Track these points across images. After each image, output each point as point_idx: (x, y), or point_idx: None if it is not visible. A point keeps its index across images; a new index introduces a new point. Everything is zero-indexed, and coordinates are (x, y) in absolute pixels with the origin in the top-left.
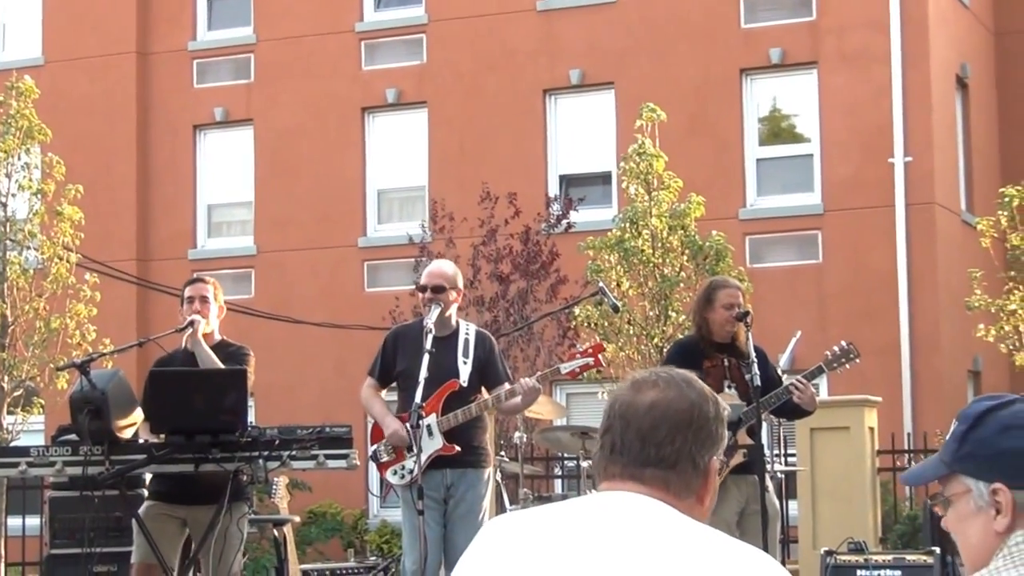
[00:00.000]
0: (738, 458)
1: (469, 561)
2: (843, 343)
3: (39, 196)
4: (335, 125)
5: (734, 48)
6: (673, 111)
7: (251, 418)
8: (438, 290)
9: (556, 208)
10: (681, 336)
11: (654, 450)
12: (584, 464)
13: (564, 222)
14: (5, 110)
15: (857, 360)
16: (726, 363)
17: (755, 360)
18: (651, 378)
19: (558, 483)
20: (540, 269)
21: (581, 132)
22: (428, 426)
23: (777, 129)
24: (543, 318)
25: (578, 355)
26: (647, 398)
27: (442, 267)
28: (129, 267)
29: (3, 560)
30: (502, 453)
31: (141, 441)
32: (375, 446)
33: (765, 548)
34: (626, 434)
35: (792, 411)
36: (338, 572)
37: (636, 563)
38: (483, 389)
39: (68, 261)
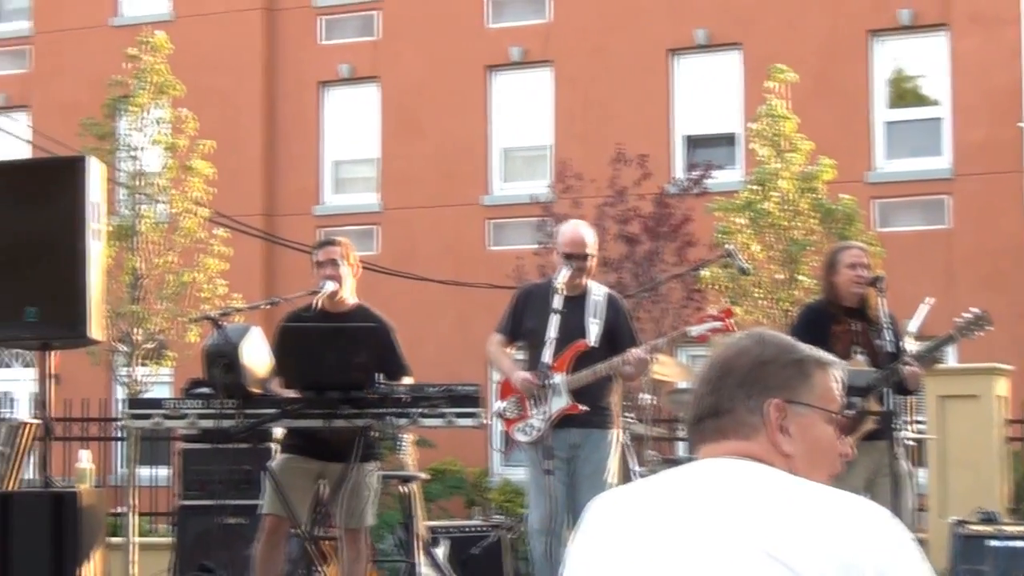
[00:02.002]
0: (868, 424)
1: (579, 547)
2: (974, 310)
3: (171, 151)
4: (460, 83)
5: (862, 9)
6: (800, 72)
7: None
8: (580, 259)
9: (690, 172)
10: (809, 300)
11: (708, 400)
12: None
13: (700, 185)
14: (137, 65)
15: (990, 328)
16: (855, 328)
17: (888, 326)
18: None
19: (682, 445)
20: (670, 231)
21: (706, 92)
22: (555, 385)
23: (903, 91)
24: (670, 280)
25: (708, 318)
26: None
27: (585, 235)
28: (255, 222)
29: (135, 510)
30: (629, 415)
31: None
32: (501, 403)
33: (897, 514)
34: (697, 402)
35: (896, 386)
36: (464, 529)
37: (721, 533)
38: (613, 352)
39: (199, 216)
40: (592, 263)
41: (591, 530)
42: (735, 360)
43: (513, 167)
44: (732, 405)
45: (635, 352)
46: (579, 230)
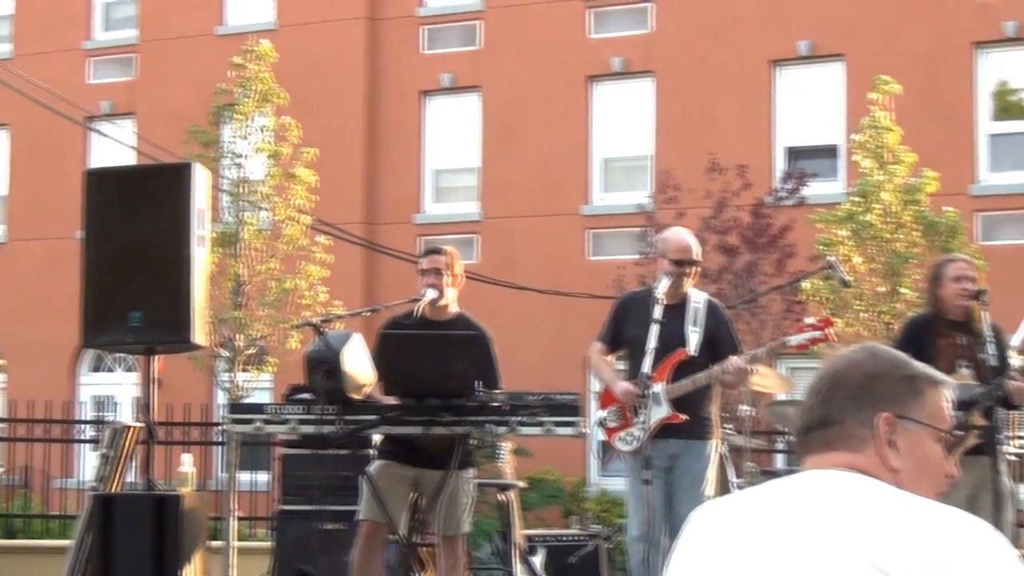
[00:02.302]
0: (972, 439)
1: (680, 558)
2: None
3: (274, 159)
4: (561, 93)
5: (967, 21)
6: (903, 83)
7: None
8: (689, 264)
9: (787, 183)
10: (913, 314)
11: (818, 411)
12: None
13: (796, 195)
14: (242, 73)
15: None
16: (960, 341)
17: (992, 339)
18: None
19: (780, 458)
20: (769, 243)
21: (808, 103)
22: (656, 394)
23: (1007, 104)
24: (770, 291)
25: (807, 328)
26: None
27: (690, 241)
28: (356, 230)
29: (235, 514)
30: (728, 426)
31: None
32: (603, 411)
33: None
34: (806, 413)
35: (1000, 401)
36: (561, 538)
37: (827, 544)
38: (714, 360)
39: (301, 223)
40: (696, 270)
41: (693, 540)
42: (847, 372)
43: (613, 177)
44: (842, 417)
45: (735, 361)
46: (684, 236)
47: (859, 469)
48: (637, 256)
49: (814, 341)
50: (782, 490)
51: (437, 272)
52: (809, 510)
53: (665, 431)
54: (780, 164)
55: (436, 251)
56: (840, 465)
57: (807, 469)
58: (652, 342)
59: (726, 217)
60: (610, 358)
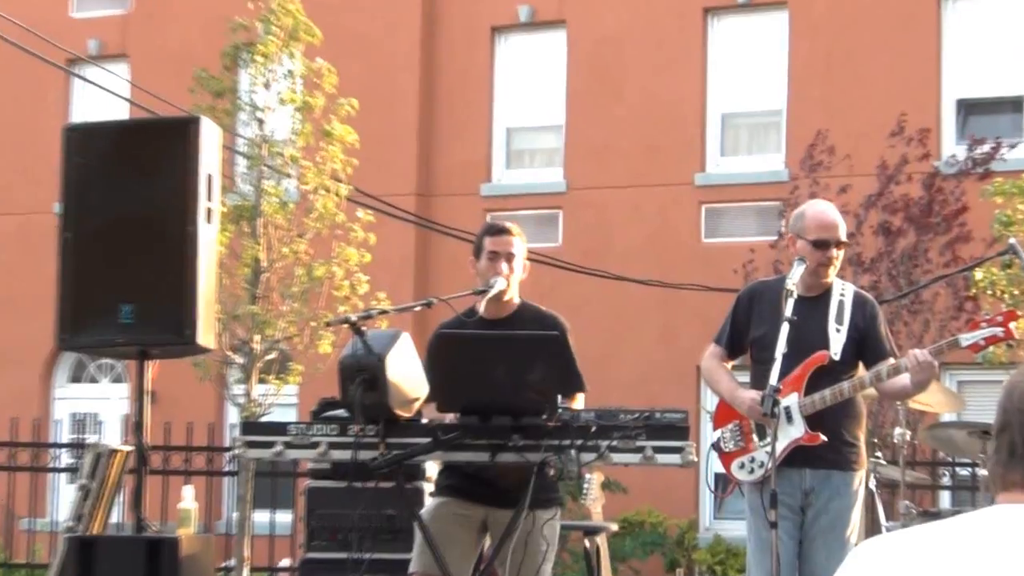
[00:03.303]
0: None
1: None
2: None
3: (304, 112)
4: (670, 30)
5: None
6: None
7: None
8: (834, 245)
9: (972, 148)
10: None
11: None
12: (981, 472)
13: (986, 165)
14: (263, 5)
15: None
16: None
17: None
18: None
19: (946, 495)
20: (943, 222)
21: (985, 47)
22: (787, 408)
23: None
24: (935, 282)
25: (983, 323)
26: None
27: (834, 216)
28: (408, 204)
29: (249, 562)
30: (878, 454)
31: (425, 421)
32: (718, 431)
33: None
34: (1005, 434)
35: None
36: None
37: None
38: (860, 366)
39: (337, 194)
40: (841, 254)
41: None
42: None
43: (735, 137)
44: None
45: (917, 353)
46: (827, 210)
47: None
48: (769, 238)
49: (992, 340)
50: (973, 527)
51: (510, 256)
52: (1003, 560)
53: (798, 458)
54: (949, 122)
55: (505, 229)
56: None
57: (1004, 503)
58: (782, 345)
59: (890, 192)
60: (730, 365)
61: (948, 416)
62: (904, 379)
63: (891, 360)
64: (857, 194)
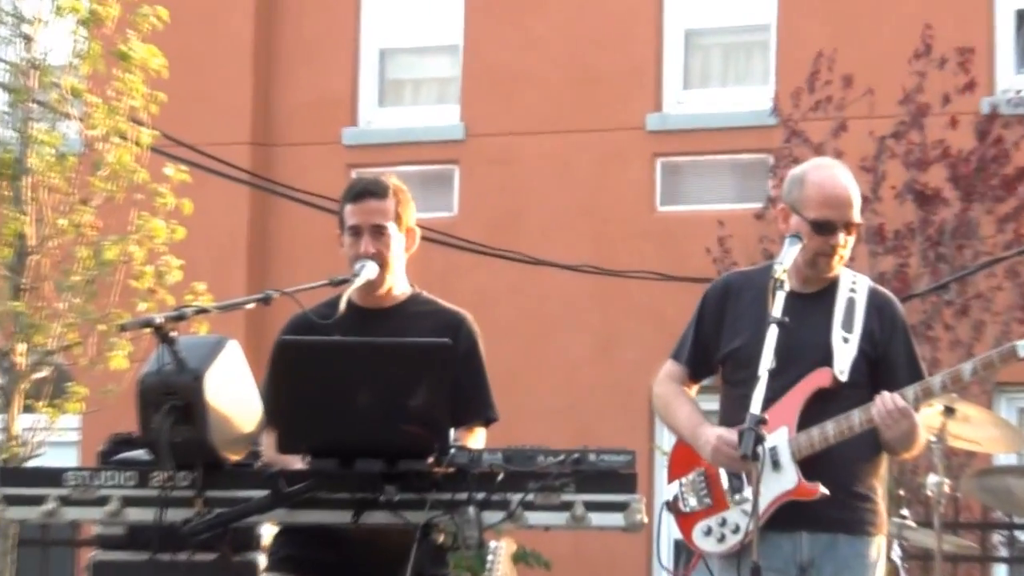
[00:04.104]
0: None
1: None
2: None
3: (91, 26)
4: None
5: None
6: None
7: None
8: (843, 228)
9: None
10: None
11: None
12: None
13: None
14: None
15: None
16: None
17: None
18: None
19: (1001, 570)
20: (1001, 185)
21: None
22: (773, 450)
23: None
24: (989, 266)
25: None
26: None
27: (847, 185)
28: (239, 155)
29: None
30: (904, 512)
31: (261, 466)
32: (676, 484)
33: None
34: None
35: None
36: None
37: None
38: (876, 390)
39: (137, 143)
40: (851, 241)
41: None
42: None
43: (703, 63)
44: None
45: (886, 399)
46: (839, 177)
47: None
48: (753, 206)
49: None
50: None
51: (378, 230)
52: None
53: (790, 518)
54: (1005, 43)
55: (369, 191)
56: None
57: None
58: (768, 359)
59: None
60: (694, 391)
61: (1004, 458)
62: (887, 432)
63: (913, 388)
64: (866, 140)
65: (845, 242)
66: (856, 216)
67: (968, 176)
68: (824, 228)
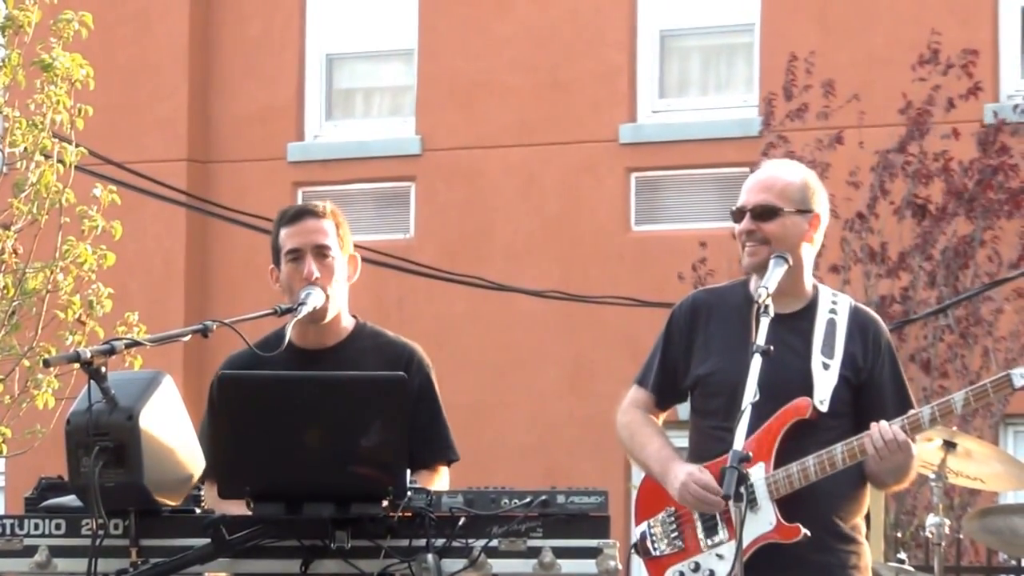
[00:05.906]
0: None
1: None
2: None
3: (10, 32)
4: None
5: None
6: None
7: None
8: (768, 215)
9: None
10: None
11: None
12: None
13: None
14: None
15: None
16: None
17: None
18: None
19: None
20: (1007, 200)
21: None
22: (750, 487)
23: None
24: (993, 287)
25: None
26: None
27: (779, 174)
28: (174, 174)
29: None
30: (902, 556)
31: (201, 511)
32: (643, 525)
33: None
34: None
35: None
36: None
37: None
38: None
39: (62, 161)
40: (802, 231)
41: None
42: None
43: (681, 69)
44: None
45: (883, 428)
46: (772, 168)
47: None
48: (735, 225)
49: None
50: None
51: (320, 252)
52: None
53: (767, 562)
54: (1011, 47)
55: (308, 212)
56: None
57: None
58: (751, 391)
59: (925, 150)
60: (661, 420)
61: (1010, 496)
62: (884, 462)
63: (897, 422)
64: (863, 152)
65: (759, 229)
66: (772, 199)
67: (967, 192)
68: (734, 216)
